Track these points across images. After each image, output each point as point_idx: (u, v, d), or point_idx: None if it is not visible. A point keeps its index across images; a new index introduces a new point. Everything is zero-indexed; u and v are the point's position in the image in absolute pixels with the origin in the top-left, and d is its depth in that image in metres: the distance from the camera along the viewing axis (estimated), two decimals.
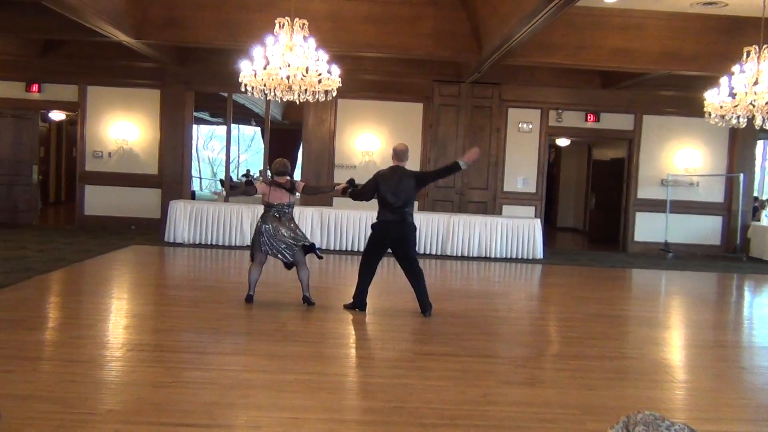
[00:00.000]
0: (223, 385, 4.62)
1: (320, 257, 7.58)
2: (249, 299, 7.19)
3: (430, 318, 6.97)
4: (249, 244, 11.48)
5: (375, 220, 7.14)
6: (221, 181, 22.12)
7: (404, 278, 7.10)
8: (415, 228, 7.15)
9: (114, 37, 10.72)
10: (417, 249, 11.56)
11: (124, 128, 13.83)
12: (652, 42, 10.96)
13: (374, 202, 7.11)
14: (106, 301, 7.46)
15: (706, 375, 5.70)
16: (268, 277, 7.84)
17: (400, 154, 7.10)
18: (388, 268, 10.19)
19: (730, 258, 13.60)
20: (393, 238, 7.04)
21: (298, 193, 7.36)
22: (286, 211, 7.15)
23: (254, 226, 7.59)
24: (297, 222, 7.44)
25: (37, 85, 13.85)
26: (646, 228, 14.21)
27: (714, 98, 8.68)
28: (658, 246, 13.94)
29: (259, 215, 7.31)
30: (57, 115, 16.66)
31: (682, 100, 13.60)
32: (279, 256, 7.08)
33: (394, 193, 6.91)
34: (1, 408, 2.90)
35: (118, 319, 6.65)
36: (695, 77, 12.17)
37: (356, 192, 7.27)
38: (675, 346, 6.88)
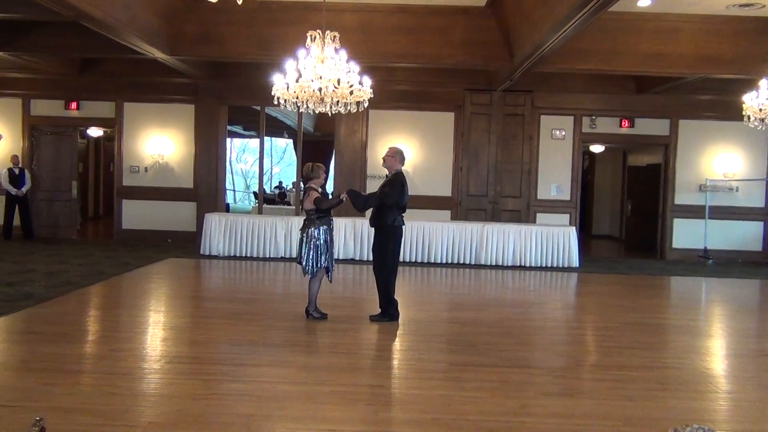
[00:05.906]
0: (260, 397, 4.65)
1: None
2: (324, 316, 7.08)
3: (465, 328, 6.94)
4: (288, 255, 11.58)
5: (391, 223, 6.99)
6: (254, 193, 22.36)
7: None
8: None
9: (150, 54, 10.96)
10: (450, 257, 11.79)
11: (159, 143, 14.08)
12: (687, 45, 10.78)
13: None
14: (144, 313, 7.56)
15: (751, 385, 5.54)
16: (303, 288, 7.85)
17: (404, 158, 7.27)
18: (423, 278, 10.17)
19: None
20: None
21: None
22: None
23: (305, 236, 6.92)
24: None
25: (75, 103, 14.20)
26: (685, 234, 13.94)
27: (753, 101, 8.54)
28: (697, 253, 13.67)
29: (308, 224, 6.94)
30: (95, 132, 17.02)
31: (719, 103, 13.36)
32: (332, 266, 7.00)
33: (406, 195, 7.11)
34: (45, 421, 2.94)
35: (156, 331, 6.74)
36: (732, 80, 11.95)
37: (380, 196, 7.08)
38: (717, 355, 6.70)
